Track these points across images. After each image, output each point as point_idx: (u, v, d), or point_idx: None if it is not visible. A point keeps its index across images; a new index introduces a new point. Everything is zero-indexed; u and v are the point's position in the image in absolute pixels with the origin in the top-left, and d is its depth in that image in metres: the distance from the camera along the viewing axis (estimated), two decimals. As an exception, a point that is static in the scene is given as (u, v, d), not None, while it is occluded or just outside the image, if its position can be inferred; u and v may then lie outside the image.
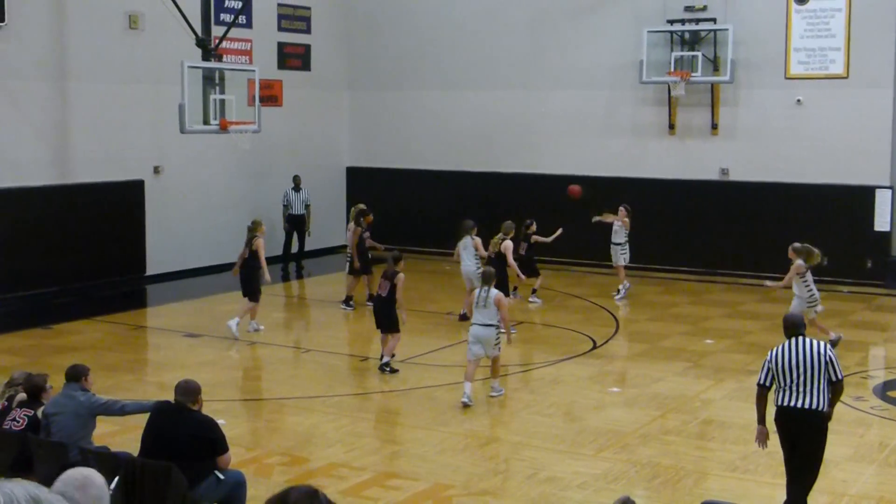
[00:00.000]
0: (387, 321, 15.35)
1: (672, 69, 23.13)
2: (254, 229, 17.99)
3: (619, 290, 21.07)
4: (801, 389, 9.22)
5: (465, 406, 13.30)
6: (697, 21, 23.35)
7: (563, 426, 12.79)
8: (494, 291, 13.69)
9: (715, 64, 23.18)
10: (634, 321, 19.14)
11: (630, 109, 24.54)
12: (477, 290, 13.97)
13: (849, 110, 22.32)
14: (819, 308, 16.50)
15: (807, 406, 9.21)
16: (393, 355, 15.36)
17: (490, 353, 13.67)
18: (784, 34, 22.74)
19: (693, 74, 22.94)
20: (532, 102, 25.50)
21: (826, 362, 9.26)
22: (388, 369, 15.17)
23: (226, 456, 8.87)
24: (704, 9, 23.29)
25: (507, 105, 25.75)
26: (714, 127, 23.66)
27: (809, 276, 16.28)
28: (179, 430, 8.69)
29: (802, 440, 9.32)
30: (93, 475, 4.11)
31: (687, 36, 23.43)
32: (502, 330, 13.93)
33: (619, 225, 21.11)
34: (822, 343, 9.47)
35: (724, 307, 20.36)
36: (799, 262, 16.19)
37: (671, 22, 23.53)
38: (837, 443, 12.03)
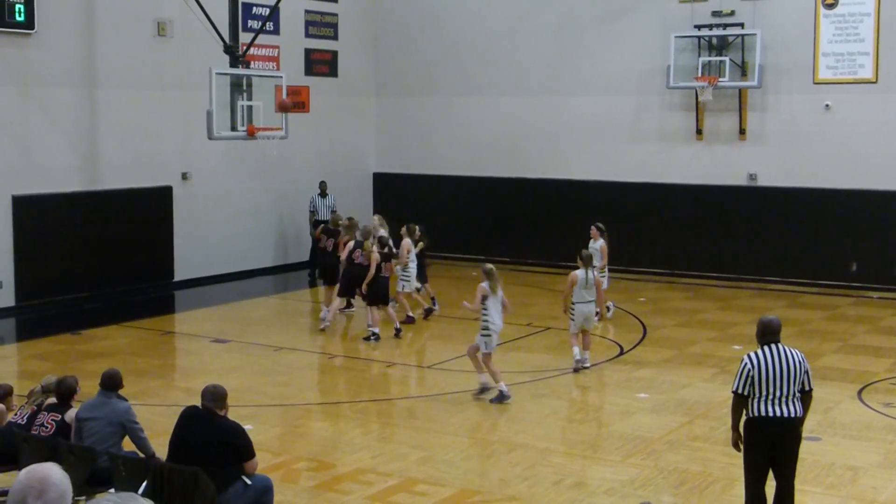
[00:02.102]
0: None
1: (699, 74, 23.06)
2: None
3: (608, 308, 19.40)
4: (780, 399, 8.91)
5: (587, 368, 15.59)
6: (725, 26, 23.28)
7: (590, 432, 12.76)
8: (596, 275, 15.68)
9: (743, 69, 23.10)
10: (662, 327, 19.07)
11: (657, 115, 24.49)
12: (582, 272, 15.46)
13: (878, 115, 22.19)
14: (495, 343, 14.19)
15: (790, 415, 8.92)
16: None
17: (588, 326, 15.76)
18: (812, 39, 22.63)
19: (721, 79, 22.86)
20: (559, 108, 25.48)
21: (804, 371, 8.95)
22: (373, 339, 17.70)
23: (252, 462, 8.88)
24: (732, 14, 23.22)
25: (535, 111, 25.74)
26: (742, 132, 23.57)
27: (491, 303, 14.07)
28: (207, 436, 8.71)
29: (785, 449, 9.06)
30: (51, 474, 3.87)
31: (714, 41, 23.36)
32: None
33: (596, 248, 18.83)
34: (798, 351, 9.10)
35: (752, 313, 20.21)
36: (483, 284, 14.16)
37: (699, 27, 23.47)
38: (867, 450, 11.97)
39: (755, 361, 9.00)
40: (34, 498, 3.80)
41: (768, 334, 9.12)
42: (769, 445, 9.07)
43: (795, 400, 8.97)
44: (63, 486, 3.88)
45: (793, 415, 8.95)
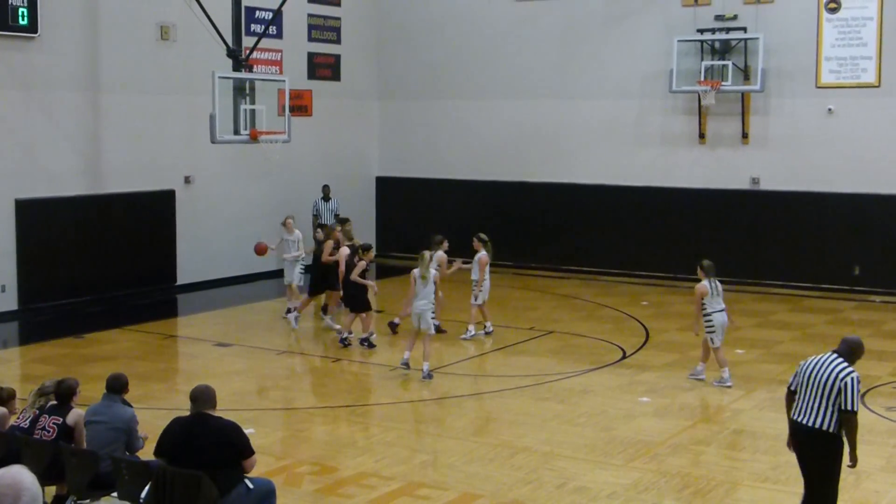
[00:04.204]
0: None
1: (702, 78, 23.07)
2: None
3: (468, 330, 18.35)
4: (808, 405, 8.89)
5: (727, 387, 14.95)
6: (728, 30, 23.28)
7: (592, 436, 12.75)
8: (719, 282, 15.31)
9: (745, 73, 23.10)
10: (664, 331, 19.07)
11: (660, 119, 24.49)
12: (707, 282, 15.14)
13: (881, 119, 22.19)
14: (415, 321, 15.74)
15: (811, 424, 8.86)
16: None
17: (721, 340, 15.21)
18: (815, 43, 22.63)
19: (723, 83, 22.87)
20: (562, 112, 25.48)
21: (839, 389, 8.72)
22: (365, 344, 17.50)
23: (251, 459, 8.84)
24: (735, 18, 23.22)
25: (538, 115, 25.74)
26: (745, 136, 23.56)
27: (419, 286, 15.64)
28: (209, 440, 8.64)
29: (808, 458, 9.08)
30: (23, 479, 3.89)
31: (717, 45, 23.36)
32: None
33: (474, 260, 18.28)
34: (844, 368, 8.84)
35: (754, 317, 20.25)
36: (414, 271, 15.84)
37: (701, 31, 23.47)
38: (869, 453, 11.94)
39: (803, 364, 9.10)
40: None
41: (839, 344, 9.15)
42: (797, 449, 9.16)
43: (826, 413, 8.80)
44: (35, 489, 3.89)
45: (811, 424, 8.87)
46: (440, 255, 17.91)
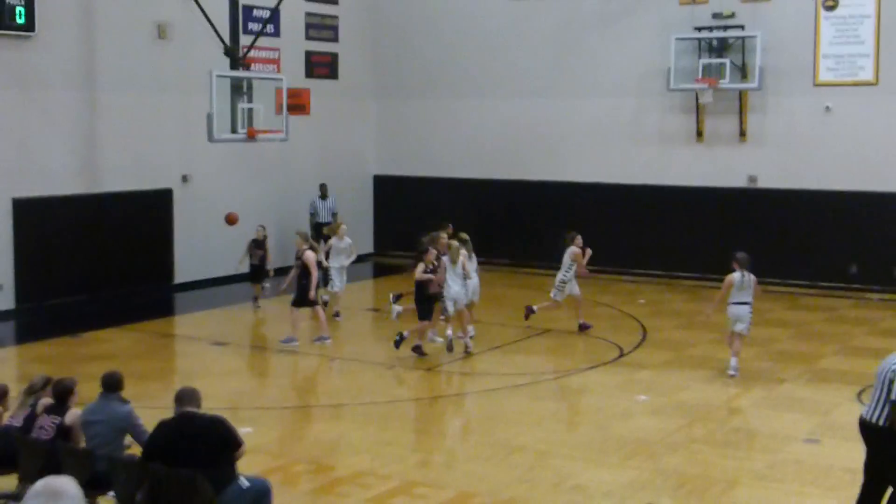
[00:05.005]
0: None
1: (700, 76, 23.05)
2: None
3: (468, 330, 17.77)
4: (872, 399, 8.92)
5: (732, 377, 15.16)
6: (725, 28, 23.28)
7: (589, 434, 12.75)
8: (753, 276, 15.30)
9: (743, 71, 23.08)
10: (661, 329, 19.06)
11: (658, 117, 24.48)
12: (738, 274, 15.24)
13: (878, 117, 22.19)
14: (450, 307, 16.74)
15: (866, 416, 8.92)
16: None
17: (740, 329, 15.30)
18: (813, 41, 22.62)
19: (721, 81, 22.85)
20: (559, 110, 25.47)
21: (890, 380, 8.70)
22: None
23: (241, 449, 8.85)
24: (732, 16, 23.21)
25: (534, 113, 25.73)
26: (742, 134, 23.56)
27: (449, 275, 16.71)
28: (196, 438, 8.62)
29: (868, 450, 9.06)
30: (67, 489, 3.93)
31: (715, 43, 23.35)
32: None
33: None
34: None
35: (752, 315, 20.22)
36: (444, 257, 16.83)
37: (699, 29, 23.46)
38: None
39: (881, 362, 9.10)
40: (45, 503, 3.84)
41: None
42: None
43: (877, 405, 8.82)
44: (77, 501, 3.94)
45: (864, 415, 8.95)
46: (573, 250, 18.67)
